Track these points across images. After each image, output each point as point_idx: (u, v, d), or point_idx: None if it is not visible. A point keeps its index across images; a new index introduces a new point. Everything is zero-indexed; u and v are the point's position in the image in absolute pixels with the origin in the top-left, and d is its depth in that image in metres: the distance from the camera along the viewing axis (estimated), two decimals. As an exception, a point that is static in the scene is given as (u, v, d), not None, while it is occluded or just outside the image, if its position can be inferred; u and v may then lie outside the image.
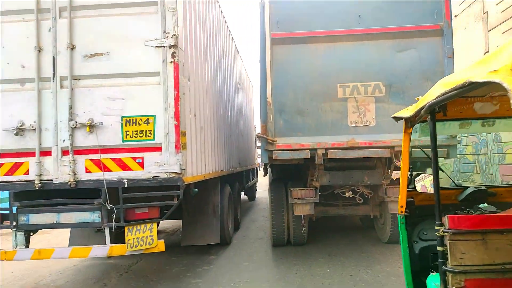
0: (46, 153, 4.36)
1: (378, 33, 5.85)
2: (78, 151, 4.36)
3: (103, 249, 4.26)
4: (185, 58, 4.54)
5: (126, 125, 4.30)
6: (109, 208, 4.25)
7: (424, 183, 3.14)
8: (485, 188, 2.71)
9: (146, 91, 4.33)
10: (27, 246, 4.46)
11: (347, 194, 6.20)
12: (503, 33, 7.90)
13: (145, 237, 4.27)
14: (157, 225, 4.94)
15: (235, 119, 8.85)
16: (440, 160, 6.65)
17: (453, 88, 1.49)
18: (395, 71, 5.75)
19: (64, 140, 4.34)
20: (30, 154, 4.35)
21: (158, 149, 4.29)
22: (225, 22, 7.85)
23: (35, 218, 4.35)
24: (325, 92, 5.78)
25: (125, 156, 4.32)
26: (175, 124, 4.26)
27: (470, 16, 9.30)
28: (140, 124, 4.29)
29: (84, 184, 4.31)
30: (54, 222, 4.35)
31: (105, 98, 4.34)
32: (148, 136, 4.29)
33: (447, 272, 1.87)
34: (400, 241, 2.54)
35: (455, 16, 9.64)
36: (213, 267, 5.52)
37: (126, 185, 4.25)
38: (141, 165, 4.30)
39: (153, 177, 4.27)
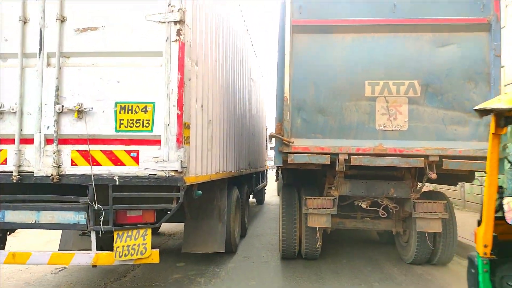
0: (27, 140, 3.71)
1: (415, 25, 5.03)
2: (63, 140, 3.69)
3: (87, 257, 3.58)
4: (192, 37, 3.84)
5: (120, 113, 3.62)
6: (96, 208, 3.57)
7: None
8: None
9: (146, 73, 3.64)
10: (2, 248, 3.80)
11: (364, 205, 5.44)
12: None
13: (136, 245, 3.57)
14: (154, 231, 4.16)
15: (247, 116, 8.12)
16: None
17: None
18: (433, 69, 4.93)
19: (48, 127, 3.67)
20: (9, 141, 3.70)
21: (156, 142, 3.60)
22: (239, 5, 7.10)
23: (11, 216, 3.69)
24: (351, 90, 4.98)
25: (117, 149, 3.63)
26: (177, 114, 3.56)
27: None
28: (136, 112, 3.60)
29: (68, 179, 3.63)
30: (33, 222, 3.68)
31: (98, 80, 3.67)
32: (146, 126, 3.59)
33: None
34: None
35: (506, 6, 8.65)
36: (216, 281, 4.79)
37: (117, 183, 3.57)
38: (136, 160, 3.60)
39: (149, 175, 3.57)
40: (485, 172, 3.58)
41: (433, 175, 4.68)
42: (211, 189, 5.28)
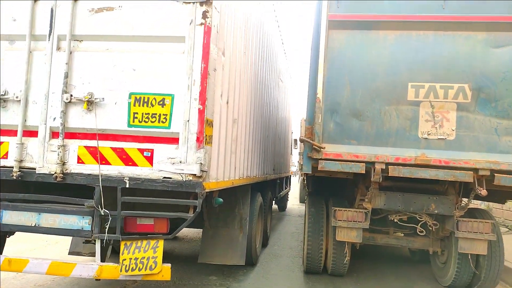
0: (31, 133, 3.24)
1: (467, 22, 4.33)
2: (70, 134, 3.20)
3: (90, 269, 3.06)
4: (220, 22, 3.28)
5: (135, 105, 3.09)
6: (102, 213, 3.05)
7: None
8: None
9: (165, 61, 3.11)
10: (0, 252, 3.33)
11: (395, 219, 4.82)
12: None
13: (146, 259, 3.03)
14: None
15: (274, 118, 7.52)
16: None
17: None
18: (487, 72, 4.22)
19: (54, 118, 3.19)
20: (12, 132, 3.25)
21: (174, 140, 3.06)
22: None
23: (10, 217, 3.23)
24: (392, 92, 4.32)
25: (129, 146, 3.11)
26: (199, 109, 3.01)
27: None
28: (153, 105, 3.07)
29: (73, 179, 3.13)
30: (33, 225, 3.20)
31: (111, 67, 3.17)
32: (163, 122, 3.06)
33: None
34: None
35: None
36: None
37: (127, 185, 3.04)
38: (150, 160, 3.07)
39: (164, 178, 3.03)
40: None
41: (483, 192, 4.04)
42: (233, 195, 4.71)
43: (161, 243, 3.08)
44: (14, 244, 4.25)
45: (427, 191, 4.65)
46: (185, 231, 7.51)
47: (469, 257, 4.65)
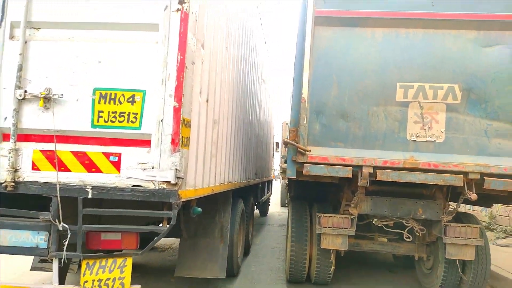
0: (-24, 135, 2.72)
1: (457, 20, 4.12)
2: (24, 137, 2.72)
3: (45, 293, 2.55)
4: (200, 10, 2.88)
5: (100, 102, 2.65)
6: (61, 228, 2.57)
7: None
8: None
9: (136, 52, 2.69)
10: None
11: (380, 224, 4.58)
12: None
13: (111, 280, 2.57)
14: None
15: (256, 120, 7.13)
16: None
17: None
18: (477, 72, 4.02)
19: (5, 118, 2.70)
20: (-46, 134, 2.72)
21: (145, 143, 2.63)
22: None
23: (-52, 234, 2.68)
24: (380, 92, 4.05)
25: (93, 150, 2.66)
26: (174, 107, 2.59)
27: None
28: (121, 103, 2.64)
29: (27, 188, 2.65)
30: (-23, 243, 2.67)
31: (73, 59, 2.72)
32: (132, 122, 2.63)
33: None
34: None
35: None
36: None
37: (90, 195, 2.58)
38: (117, 165, 2.62)
39: (133, 186, 2.59)
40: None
41: (473, 196, 3.82)
42: (213, 202, 4.30)
43: (129, 261, 2.63)
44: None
45: (414, 195, 4.44)
46: (160, 240, 7.00)
47: (457, 263, 4.44)
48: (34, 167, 2.67)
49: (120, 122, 2.63)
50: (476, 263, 4.49)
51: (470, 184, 3.88)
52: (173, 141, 2.57)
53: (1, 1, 2.75)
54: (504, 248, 7.41)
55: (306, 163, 3.93)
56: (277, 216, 12.08)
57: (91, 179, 2.61)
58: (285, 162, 9.64)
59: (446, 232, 4.22)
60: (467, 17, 4.09)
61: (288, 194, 7.85)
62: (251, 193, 6.96)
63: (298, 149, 3.94)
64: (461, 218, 4.78)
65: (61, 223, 2.58)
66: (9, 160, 2.65)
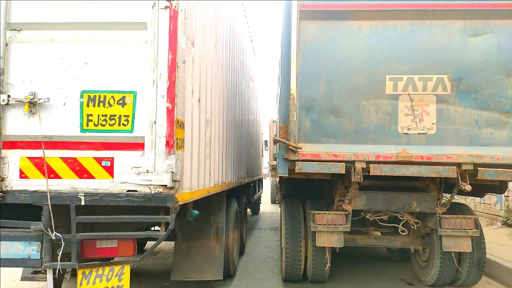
0: (-42, 143, 2.58)
1: (445, 10, 4.10)
2: (10, 144, 2.60)
3: (40, 306, 2.45)
4: (188, 8, 2.79)
5: (88, 106, 2.54)
6: (53, 238, 2.47)
7: None
8: None
9: (124, 52, 2.59)
10: None
11: (374, 219, 4.58)
12: None
13: (109, 288, 2.47)
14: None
15: (246, 119, 7.07)
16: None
17: None
18: (466, 62, 4.00)
19: (-11, 125, 2.56)
20: None
21: (138, 146, 2.54)
22: None
23: None
24: (370, 86, 4.00)
25: (84, 155, 2.55)
26: (167, 108, 2.51)
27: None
28: (111, 105, 2.54)
29: (16, 197, 2.53)
30: (-35, 256, 2.54)
31: (58, 61, 2.60)
32: (124, 124, 2.53)
33: None
34: None
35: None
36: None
37: (82, 202, 2.48)
38: (110, 170, 2.53)
39: (128, 191, 2.50)
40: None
41: (468, 187, 3.80)
42: (207, 203, 4.22)
43: (127, 268, 2.55)
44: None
45: (407, 188, 4.42)
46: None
47: (453, 255, 4.46)
48: (22, 175, 2.55)
49: (111, 125, 2.53)
50: (472, 253, 4.49)
51: (463, 175, 3.87)
52: (167, 143, 2.49)
53: (-21, 3, 2.62)
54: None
55: (298, 160, 3.86)
56: (267, 216, 11.54)
57: (83, 185, 2.51)
58: (275, 160, 9.60)
59: (441, 224, 4.21)
60: (453, 7, 4.07)
61: (280, 192, 7.80)
62: (244, 192, 6.90)
63: (289, 146, 3.87)
64: (455, 209, 4.80)
65: (54, 232, 2.47)
66: (-5, 169, 2.52)
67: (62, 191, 2.52)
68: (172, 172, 2.48)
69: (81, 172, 2.53)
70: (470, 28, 4.05)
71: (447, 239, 4.24)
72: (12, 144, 2.59)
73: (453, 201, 4.58)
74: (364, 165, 3.84)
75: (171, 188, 2.48)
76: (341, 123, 3.99)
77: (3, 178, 2.55)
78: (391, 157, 3.89)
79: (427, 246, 4.90)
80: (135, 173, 2.51)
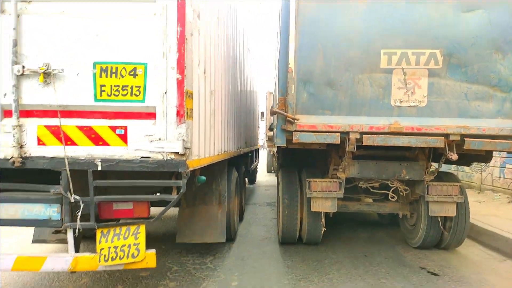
0: (-24, 112, 2.69)
1: None
2: (26, 113, 2.71)
3: (63, 261, 2.69)
4: (195, -20, 2.84)
5: (101, 76, 2.65)
6: (72, 200, 2.65)
7: None
8: None
9: (134, 25, 2.67)
10: (-49, 249, 2.84)
11: (366, 186, 4.88)
12: None
13: (127, 246, 2.70)
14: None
15: (244, 90, 7.16)
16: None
17: None
18: (458, 37, 4.13)
19: (5, 94, 2.67)
20: (-48, 112, 2.68)
21: (150, 115, 2.68)
22: None
23: (-40, 210, 2.71)
24: (365, 60, 4.13)
25: (98, 124, 2.69)
26: (177, 79, 2.63)
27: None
28: (123, 76, 2.65)
29: (35, 163, 2.68)
30: (-11, 218, 2.72)
31: (70, 33, 2.67)
32: (136, 95, 2.65)
33: None
34: None
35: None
36: (217, 273, 4.00)
37: (99, 168, 2.64)
38: (124, 138, 2.68)
39: (142, 157, 2.66)
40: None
41: (454, 156, 4.04)
42: (210, 171, 4.42)
43: (142, 228, 2.76)
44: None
45: (398, 158, 4.66)
46: (157, 210, 7.14)
47: (439, 219, 4.79)
48: (40, 142, 2.69)
49: (123, 95, 2.65)
50: (456, 218, 4.82)
51: (451, 145, 4.09)
52: (178, 113, 2.64)
53: (-12, -27, 2.64)
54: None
55: (295, 131, 4.06)
56: (264, 190, 10.94)
57: (99, 152, 2.67)
58: (271, 131, 9.74)
59: (428, 190, 4.51)
60: None
61: (277, 161, 8.05)
62: (242, 162, 7.11)
63: (287, 118, 4.05)
64: (442, 177, 5.09)
65: (73, 195, 2.65)
66: (14, 136, 2.65)
67: (79, 157, 2.67)
68: (183, 140, 2.64)
69: (97, 139, 2.67)
70: (463, 4, 4.14)
71: (434, 204, 4.54)
72: (29, 113, 2.71)
73: (440, 170, 4.86)
74: (358, 136, 4.04)
75: (183, 155, 2.65)
76: (337, 96, 4.14)
77: (22, 145, 2.69)
78: (384, 128, 4.08)
79: (415, 212, 5.23)
80: (148, 141, 2.66)
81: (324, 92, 4.14)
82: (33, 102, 2.69)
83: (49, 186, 2.69)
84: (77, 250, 2.80)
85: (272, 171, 16.10)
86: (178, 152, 2.63)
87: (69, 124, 2.68)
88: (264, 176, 14.69)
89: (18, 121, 2.67)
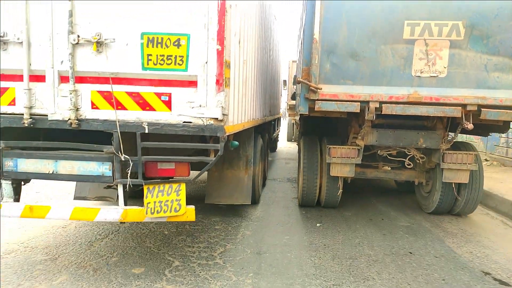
0: (38, 78, 2.99)
1: None
2: (81, 78, 2.98)
3: (115, 212, 3.04)
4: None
5: (148, 46, 2.87)
6: (123, 159, 2.96)
7: None
8: None
9: (178, -3, 2.83)
10: (16, 200, 3.25)
11: (384, 154, 5.06)
12: None
13: (170, 201, 3.02)
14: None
15: (270, 59, 7.26)
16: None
17: None
18: (481, 8, 4.13)
19: (62, 62, 2.94)
20: (16, 77, 2.98)
21: (192, 84, 2.90)
22: None
23: (25, 165, 3.09)
24: (388, 31, 4.22)
25: (145, 91, 2.94)
26: (217, 50, 2.82)
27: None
28: (168, 46, 2.85)
29: (89, 125, 2.98)
30: (51, 172, 3.09)
31: (120, 5, 2.87)
32: (179, 64, 2.87)
33: None
34: None
35: None
36: (245, 231, 4.35)
37: (146, 130, 2.92)
38: (168, 104, 2.93)
39: (184, 122, 2.92)
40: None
41: (470, 126, 4.20)
42: (239, 138, 4.68)
43: (183, 186, 3.06)
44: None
45: (416, 127, 4.81)
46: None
47: (453, 186, 4.99)
48: (94, 106, 2.98)
49: (168, 64, 2.87)
50: (470, 186, 5.02)
51: (468, 115, 4.23)
52: (217, 82, 2.85)
53: None
54: None
55: (317, 100, 4.27)
56: (284, 163, 10.18)
57: (146, 116, 2.94)
58: (293, 99, 9.81)
59: (444, 158, 4.70)
60: None
61: (299, 129, 8.25)
62: (266, 129, 7.35)
63: (310, 87, 4.24)
64: (459, 146, 5.22)
65: (123, 154, 2.96)
66: (70, 100, 2.94)
67: (128, 120, 2.95)
68: (222, 107, 2.87)
69: (144, 105, 2.94)
70: None
71: (448, 172, 4.74)
72: (83, 79, 2.98)
73: (456, 139, 4.95)
74: (378, 105, 4.22)
75: (221, 120, 2.89)
76: (359, 66, 4.28)
77: (77, 108, 2.98)
78: (403, 98, 4.23)
79: (430, 180, 5.45)
80: (190, 107, 2.91)
81: (347, 62, 4.27)
82: (87, 69, 2.94)
83: (102, 146, 3.00)
84: (125, 204, 3.14)
85: (292, 140, 16.35)
86: (217, 118, 2.87)
87: (119, 90, 2.94)
88: (285, 146, 14.95)
89: (74, 86, 2.94)
